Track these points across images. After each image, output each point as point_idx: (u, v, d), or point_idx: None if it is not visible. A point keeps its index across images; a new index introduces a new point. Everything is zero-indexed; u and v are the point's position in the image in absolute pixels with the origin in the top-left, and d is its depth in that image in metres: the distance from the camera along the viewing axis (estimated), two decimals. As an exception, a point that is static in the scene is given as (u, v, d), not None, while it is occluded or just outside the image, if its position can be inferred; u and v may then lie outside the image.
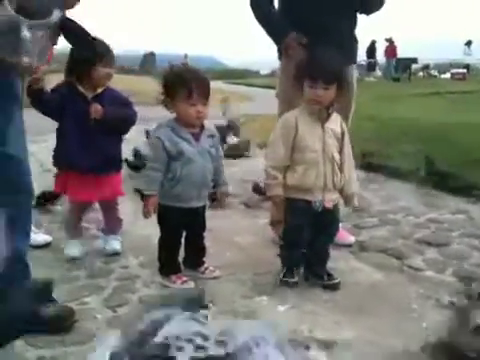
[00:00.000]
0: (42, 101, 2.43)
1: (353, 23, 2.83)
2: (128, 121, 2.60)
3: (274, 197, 2.35)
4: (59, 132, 2.59)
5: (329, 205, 2.32)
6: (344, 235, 2.90)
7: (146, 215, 2.28)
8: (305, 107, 2.33)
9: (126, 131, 2.65)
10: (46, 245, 2.74)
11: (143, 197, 2.30)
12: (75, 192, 2.61)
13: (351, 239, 2.90)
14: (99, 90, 2.53)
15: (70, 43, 1.92)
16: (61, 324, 1.91)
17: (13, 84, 1.81)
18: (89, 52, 2.12)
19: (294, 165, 2.30)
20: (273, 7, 2.79)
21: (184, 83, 2.20)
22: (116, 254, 2.67)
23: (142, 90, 11.36)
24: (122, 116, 2.56)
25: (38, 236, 2.77)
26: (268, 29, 2.73)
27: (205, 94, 2.24)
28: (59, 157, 2.58)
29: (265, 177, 2.37)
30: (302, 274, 2.44)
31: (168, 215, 2.34)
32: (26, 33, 1.60)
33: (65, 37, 1.79)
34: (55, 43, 1.80)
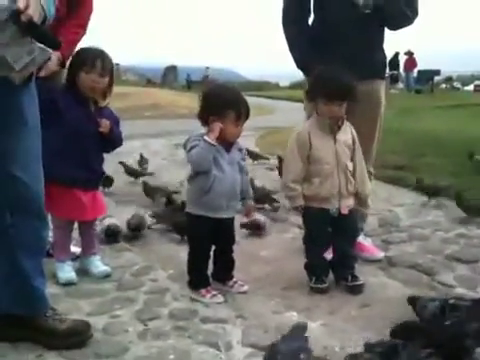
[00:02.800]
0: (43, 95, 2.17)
1: (380, 38, 2.85)
2: (120, 141, 2.59)
3: (296, 207, 2.51)
4: (49, 140, 2.26)
5: (345, 211, 2.47)
6: (373, 250, 2.88)
7: (216, 128, 2.25)
8: (316, 121, 2.48)
9: (111, 151, 2.62)
10: (75, 257, 2.77)
11: None
12: (66, 209, 2.47)
13: (380, 254, 2.88)
14: (104, 104, 2.51)
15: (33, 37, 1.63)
16: (77, 338, 1.92)
17: (15, 101, 1.73)
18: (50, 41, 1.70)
19: (310, 177, 2.46)
20: (306, 24, 2.84)
21: (233, 105, 2.28)
22: (107, 276, 2.57)
23: (166, 103, 11.56)
24: (119, 136, 2.56)
25: None
26: (294, 54, 2.82)
27: (248, 115, 2.34)
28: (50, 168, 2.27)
29: (286, 191, 2.54)
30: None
31: (197, 224, 2.37)
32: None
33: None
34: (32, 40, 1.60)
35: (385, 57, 2.93)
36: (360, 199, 2.55)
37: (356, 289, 2.45)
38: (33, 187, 1.84)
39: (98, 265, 2.60)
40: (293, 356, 1.68)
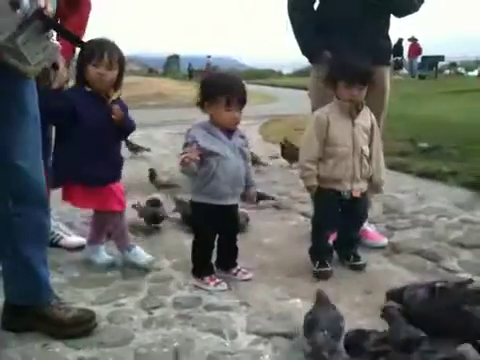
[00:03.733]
0: (55, 104, 2.27)
1: (386, 25, 2.84)
2: (133, 129, 2.58)
3: (311, 187, 2.54)
4: (69, 140, 2.38)
5: (357, 194, 2.51)
6: (377, 237, 2.88)
7: (185, 160, 2.20)
8: (336, 104, 2.51)
9: (126, 137, 2.63)
10: (80, 247, 2.78)
11: None
12: (105, 201, 2.47)
13: (384, 241, 2.87)
14: (116, 96, 2.46)
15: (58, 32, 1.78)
16: (82, 327, 1.93)
17: (17, 92, 1.76)
18: (70, 38, 1.83)
19: (326, 158, 2.49)
20: (312, 12, 2.83)
21: (223, 90, 2.27)
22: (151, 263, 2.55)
23: (169, 93, 11.53)
24: (132, 123, 2.54)
25: (72, 238, 2.82)
26: (300, 41, 2.82)
27: (242, 101, 2.31)
28: (68, 169, 2.39)
29: (301, 171, 2.56)
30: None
31: (202, 212, 2.37)
32: (21, 37, 1.58)
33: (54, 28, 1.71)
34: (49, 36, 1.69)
35: (390, 44, 2.93)
36: (374, 185, 2.59)
37: (358, 268, 2.54)
38: (34, 176, 1.84)
39: (140, 255, 2.56)
40: (333, 322, 1.78)
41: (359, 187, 2.52)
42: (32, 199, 1.86)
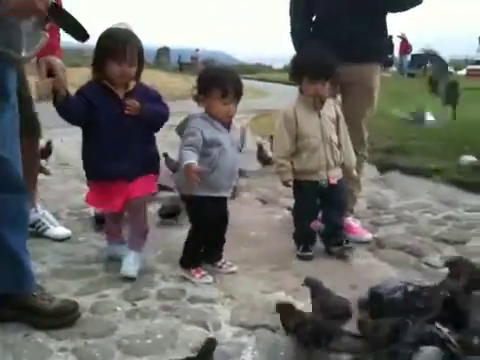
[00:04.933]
0: (69, 110, 2.22)
1: (380, 23, 2.87)
2: (163, 117, 2.41)
3: (286, 181, 2.66)
4: (88, 138, 2.37)
5: (333, 181, 2.63)
6: (361, 232, 2.90)
7: (192, 183, 2.19)
8: (301, 99, 2.65)
9: (159, 128, 2.47)
10: (65, 239, 2.77)
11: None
12: (111, 203, 2.38)
13: (368, 236, 2.90)
14: (131, 87, 2.33)
15: (60, 27, 1.82)
16: (65, 318, 1.92)
17: (1, 78, 1.74)
18: (81, 34, 1.79)
19: (299, 152, 2.62)
20: (311, 20, 2.93)
21: (219, 83, 2.27)
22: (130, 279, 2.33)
23: (160, 85, 11.45)
24: (157, 112, 2.37)
25: (58, 229, 2.80)
26: (292, 39, 2.96)
27: (237, 94, 2.31)
28: (92, 166, 2.38)
29: (275, 167, 2.72)
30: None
31: (203, 206, 2.34)
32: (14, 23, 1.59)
33: (55, 21, 1.73)
34: (44, 29, 1.73)
35: (384, 41, 2.98)
36: (346, 170, 2.72)
37: (344, 255, 2.62)
38: (12, 163, 1.83)
39: (126, 266, 2.35)
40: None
41: (334, 174, 2.64)
42: (10, 185, 1.84)
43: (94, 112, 2.27)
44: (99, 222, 2.91)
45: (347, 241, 2.67)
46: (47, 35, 1.75)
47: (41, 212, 2.80)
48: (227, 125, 2.35)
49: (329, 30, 2.73)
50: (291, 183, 2.66)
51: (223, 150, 2.30)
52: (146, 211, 2.49)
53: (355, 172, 2.81)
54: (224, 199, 2.43)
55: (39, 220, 2.75)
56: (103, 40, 2.29)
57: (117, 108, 2.28)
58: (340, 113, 2.69)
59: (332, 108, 2.68)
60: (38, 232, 2.74)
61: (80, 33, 1.76)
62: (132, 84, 2.34)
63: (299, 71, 2.62)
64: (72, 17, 1.73)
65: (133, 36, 2.31)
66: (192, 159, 2.20)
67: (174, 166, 3.32)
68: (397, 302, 1.89)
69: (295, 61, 2.68)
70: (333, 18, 2.75)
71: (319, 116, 2.61)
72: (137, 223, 2.43)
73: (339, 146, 2.66)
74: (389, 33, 3.04)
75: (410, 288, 1.93)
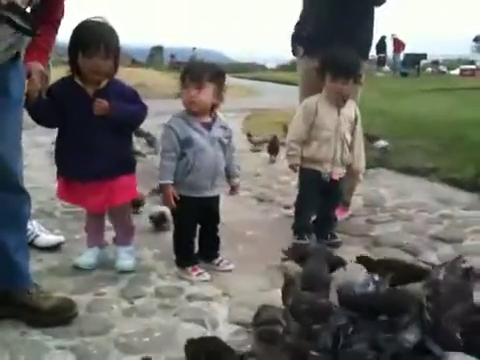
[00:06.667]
0: (37, 113, 2.14)
1: (365, 17, 2.93)
2: (137, 117, 2.32)
3: (293, 165, 2.76)
4: (59, 136, 2.30)
5: (336, 177, 2.72)
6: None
7: (168, 205, 2.35)
8: (324, 94, 2.73)
9: (135, 128, 2.41)
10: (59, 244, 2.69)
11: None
12: (83, 201, 2.36)
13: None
14: (102, 84, 2.22)
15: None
16: (62, 316, 1.91)
17: (2, 76, 1.73)
18: (29, 28, 1.64)
19: (310, 140, 2.71)
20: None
21: (183, 72, 2.33)
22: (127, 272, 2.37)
23: (152, 83, 11.43)
24: (130, 111, 2.26)
25: (49, 236, 2.69)
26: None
27: (195, 77, 2.27)
28: (61, 164, 2.31)
29: (287, 150, 2.80)
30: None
31: (182, 205, 2.35)
32: None
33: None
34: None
35: (369, 37, 3.03)
36: (353, 171, 2.82)
37: (334, 245, 2.72)
38: (10, 161, 1.81)
39: (122, 260, 2.39)
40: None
41: (338, 171, 2.72)
42: (8, 184, 1.83)
43: (63, 110, 2.18)
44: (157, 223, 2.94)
45: (334, 235, 2.79)
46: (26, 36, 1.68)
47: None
48: (208, 123, 2.33)
49: (311, 25, 2.91)
50: (298, 168, 2.76)
51: (199, 150, 2.29)
52: (130, 209, 2.55)
53: (361, 176, 2.96)
54: (210, 199, 2.40)
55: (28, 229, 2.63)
56: (74, 33, 2.18)
57: (86, 107, 2.17)
58: (359, 115, 2.79)
59: (352, 108, 2.77)
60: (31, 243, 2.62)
61: (26, 29, 1.63)
62: (104, 82, 2.22)
63: (323, 68, 2.71)
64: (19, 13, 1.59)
65: (107, 29, 2.19)
66: (167, 178, 2.29)
67: None
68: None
69: (321, 59, 2.76)
70: (315, 13, 2.91)
71: (338, 114, 2.70)
72: (123, 222, 2.46)
73: (351, 147, 2.74)
74: (382, 34, 3.15)
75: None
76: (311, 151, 2.70)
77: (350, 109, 2.75)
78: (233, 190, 2.54)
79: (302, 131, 2.71)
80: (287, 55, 3.17)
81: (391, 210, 3.45)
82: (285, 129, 4.84)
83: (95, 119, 2.18)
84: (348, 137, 2.72)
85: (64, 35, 2.35)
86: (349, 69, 2.64)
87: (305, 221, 2.79)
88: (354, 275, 2.03)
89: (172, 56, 29.77)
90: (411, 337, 1.49)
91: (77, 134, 2.21)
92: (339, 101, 2.69)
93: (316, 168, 2.71)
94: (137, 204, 3.10)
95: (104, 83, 2.22)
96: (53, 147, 2.36)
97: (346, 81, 2.63)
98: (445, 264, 1.87)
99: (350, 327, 1.57)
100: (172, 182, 2.30)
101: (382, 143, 4.80)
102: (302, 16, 3.11)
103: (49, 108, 2.15)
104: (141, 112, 2.32)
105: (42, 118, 2.21)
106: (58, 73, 2.41)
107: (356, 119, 2.76)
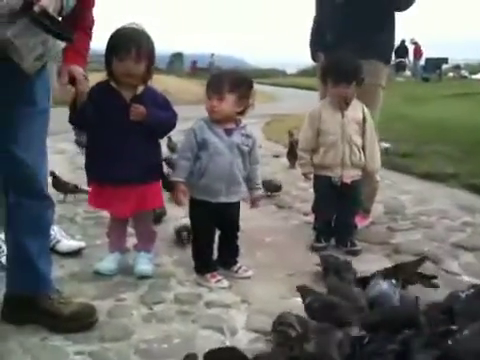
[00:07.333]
0: (84, 114, 2.15)
1: (384, 19, 2.92)
2: (169, 124, 2.35)
3: (305, 173, 2.86)
4: (92, 139, 2.36)
5: (347, 181, 2.73)
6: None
7: (177, 203, 2.37)
8: (327, 100, 2.81)
9: (166, 134, 2.47)
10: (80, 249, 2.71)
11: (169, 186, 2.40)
12: (112, 206, 2.39)
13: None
14: (139, 90, 2.27)
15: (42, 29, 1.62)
16: (82, 322, 1.93)
17: (25, 84, 1.75)
18: (65, 33, 1.68)
19: (318, 147, 2.78)
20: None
21: (208, 81, 2.37)
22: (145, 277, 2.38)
23: (174, 90, 11.48)
24: (163, 118, 2.30)
25: (70, 242, 2.72)
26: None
27: (216, 90, 2.30)
28: (92, 169, 2.34)
29: (298, 159, 2.93)
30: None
31: (197, 209, 2.38)
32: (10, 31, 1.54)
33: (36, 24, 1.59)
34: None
35: (389, 38, 3.01)
36: (368, 173, 2.83)
37: (353, 253, 2.71)
38: (35, 168, 1.85)
39: (140, 265, 2.40)
40: None
41: (349, 174, 2.73)
42: (32, 190, 1.86)
43: (99, 114, 2.20)
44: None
45: (354, 243, 2.76)
46: (61, 42, 1.72)
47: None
48: (230, 128, 2.35)
49: (326, 28, 2.96)
50: (311, 176, 2.83)
51: (216, 154, 2.30)
52: (152, 216, 2.59)
53: (378, 177, 2.97)
54: (227, 205, 2.38)
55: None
56: (110, 38, 2.24)
57: (122, 111, 2.22)
58: (367, 115, 2.78)
59: (359, 110, 2.78)
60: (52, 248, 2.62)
61: (63, 36, 1.67)
62: (141, 88, 2.28)
63: (325, 75, 2.78)
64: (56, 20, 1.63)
65: (140, 34, 2.22)
66: (179, 176, 2.32)
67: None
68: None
69: (323, 65, 2.87)
70: (330, 14, 2.94)
71: (343, 116, 2.73)
72: (146, 228, 2.50)
73: (361, 148, 2.75)
74: (402, 37, 3.15)
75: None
76: (319, 157, 2.77)
77: (356, 110, 2.77)
78: (253, 203, 2.52)
79: (309, 138, 2.78)
80: (307, 60, 3.24)
81: (412, 217, 3.42)
82: (291, 135, 4.86)
83: (130, 124, 2.23)
84: (356, 139, 2.74)
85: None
86: (350, 73, 2.68)
87: (322, 225, 2.84)
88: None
89: (194, 62, 29.99)
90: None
91: (111, 138, 2.25)
92: (342, 104, 2.73)
93: (326, 174, 2.76)
94: (159, 217, 3.07)
95: (141, 89, 2.27)
96: (77, 152, 2.41)
97: (347, 85, 2.68)
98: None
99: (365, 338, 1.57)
100: (183, 180, 2.32)
101: (385, 145, 4.75)
102: (316, 21, 3.14)
103: (89, 111, 2.16)
104: (173, 119, 2.36)
105: (84, 123, 2.26)
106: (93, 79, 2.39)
107: (364, 119, 2.77)
